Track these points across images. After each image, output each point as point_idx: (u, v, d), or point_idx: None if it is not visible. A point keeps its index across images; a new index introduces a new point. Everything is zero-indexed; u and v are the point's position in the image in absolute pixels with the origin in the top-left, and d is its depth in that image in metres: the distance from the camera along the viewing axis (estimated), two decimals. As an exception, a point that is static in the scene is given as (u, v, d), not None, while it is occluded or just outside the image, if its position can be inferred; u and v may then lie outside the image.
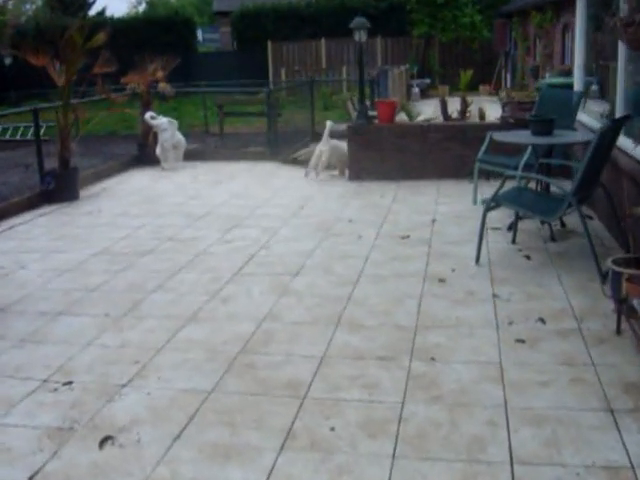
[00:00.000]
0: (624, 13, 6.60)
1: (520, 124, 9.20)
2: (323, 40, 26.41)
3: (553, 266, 5.98)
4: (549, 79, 13.43)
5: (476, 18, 25.87)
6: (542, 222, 6.93)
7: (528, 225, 7.02)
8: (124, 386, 4.08)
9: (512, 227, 7.02)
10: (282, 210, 8.25)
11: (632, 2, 4.29)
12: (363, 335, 4.67)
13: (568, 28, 17.58)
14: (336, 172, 10.32)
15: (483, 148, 8.18)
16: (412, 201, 8.47)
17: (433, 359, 4.29)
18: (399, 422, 3.60)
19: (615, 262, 5.02)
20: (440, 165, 9.64)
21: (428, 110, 20.77)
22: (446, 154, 9.60)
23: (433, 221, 7.51)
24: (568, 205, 5.67)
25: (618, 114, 6.99)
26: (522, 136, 6.85)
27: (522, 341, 4.53)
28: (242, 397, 3.90)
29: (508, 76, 25.92)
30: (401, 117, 10.22)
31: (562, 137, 6.70)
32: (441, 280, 5.69)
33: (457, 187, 9.15)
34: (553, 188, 7.12)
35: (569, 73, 16.80)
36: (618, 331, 4.65)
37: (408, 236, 6.97)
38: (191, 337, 4.72)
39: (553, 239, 6.71)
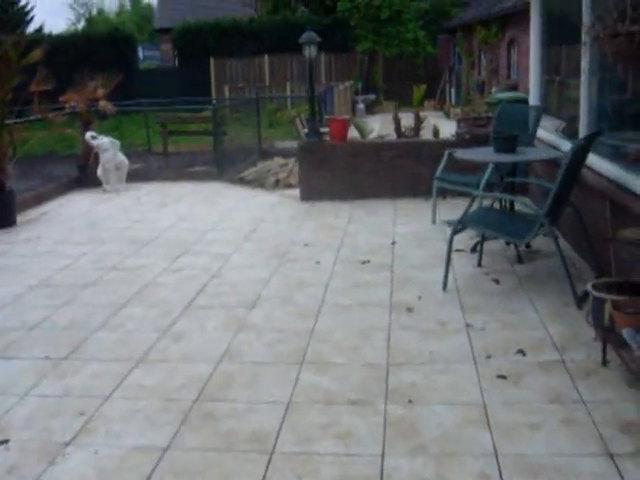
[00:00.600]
0: (588, 24, 6.38)
1: (476, 140, 8.97)
2: (266, 56, 26.09)
3: (524, 290, 5.68)
4: (499, 94, 13.28)
5: (419, 34, 25.82)
6: (507, 243, 6.65)
7: (492, 246, 6.72)
8: (68, 444, 3.61)
9: (476, 249, 6.72)
10: (232, 234, 7.82)
11: (613, 14, 4.00)
12: (331, 375, 4.27)
13: (514, 43, 17.58)
14: (290, 192, 9.96)
15: (441, 166, 7.89)
16: (369, 222, 8.13)
17: (410, 401, 3.92)
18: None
19: (595, 287, 4.73)
20: (395, 183, 9.33)
21: (375, 126, 20.57)
22: (400, 172, 9.30)
23: (393, 243, 7.17)
24: (540, 226, 5.37)
25: (582, 129, 6.76)
26: (485, 154, 6.56)
27: (503, 377, 4.19)
28: (202, 454, 3.47)
29: (452, 91, 25.94)
30: (353, 134, 9.89)
31: (526, 154, 6.43)
32: (409, 309, 5.33)
33: (413, 206, 8.85)
34: (517, 206, 6.86)
35: (516, 88, 16.79)
36: (604, 362, 4.34)
37: (368, 261, 6.61)
38: (142, 382, 4.26)
39: (520, 261, 6.42)
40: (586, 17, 6.57)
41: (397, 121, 9.72)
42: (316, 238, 7.50)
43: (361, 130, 9.90)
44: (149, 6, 65.44)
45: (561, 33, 8.22)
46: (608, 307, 4.55)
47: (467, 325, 4.99)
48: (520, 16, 16.25)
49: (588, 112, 6.69)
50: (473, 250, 6.76)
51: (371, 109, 25.21)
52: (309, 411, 3.84)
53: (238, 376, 4.29)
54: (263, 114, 16.58)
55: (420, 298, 5.57)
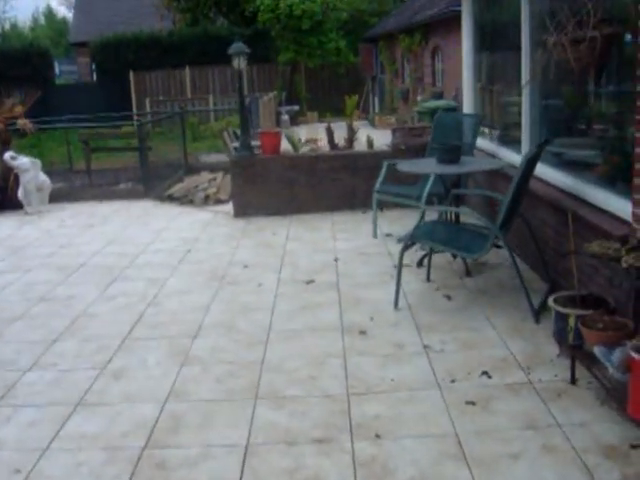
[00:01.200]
0: (549, 30, 6.25)
1: (412, 150, 8.81)
2: (187, 68, 25.58)
3: (478, 306, 5.48)
4: (429, 103, 13.19)
5: (341, 43, 25.74)
6: (454, 256, 6.46)
7: (438, 259, 6.52)
8: (1, 509, 3.21)
9: (422, 263, 6.53)
10: (166, 256, 7.43)
11: (572, 20, 3.83)
12: (289, 410, 3.96)
13: (438, 51, 17.59)
14: (222, 207, 9.61)
15: (380, 178, 7.68)
16: (308, 238, 7.85)
17: (378, 436, 3.64)
18: (359, 532, 2.93)
19: (557, 301, 4.55)
20: (331, 197, 9.09)
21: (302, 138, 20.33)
22: (336, 185, 9.07)
23: (336, 260, 6.91)
24: (493, 239, 5.19)
25: (525, 137, 6.64)
26: (428, 165, 6.37)
27: (472, 403, 3.96)
28: (157, 513, 3.12)
29: (376, 100, 25.94)
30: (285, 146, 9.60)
31: (470, 165, 6.26)
32: (362, 332, 5.06)
33: (352, 219, 8.62)
34: (463, 218, 6.68)
35: (441, 96, 16.79)
36: (573, 381, 4.17)
37: (313, 280, 6.32)
38: (83, 430, 3.87)
39: (468, 274, 6.24)
40: (526, 23, 6.46)
41: (330, 132, 9.48)
42: (255, 258, 7.18)
43: (293, 142, 9.62)
44: (64, 20, 64.03)
45: (495, 40, 8.12)
46: (572, 322, 4.39)
47: (425, 347, 4.75)
48: (444, 24, 16.27)
49: (530, 120, 6.57)
50: (419, 264, 6.56)
51: (295, 120, 24.99)
52: (270, 453, 3.52)
53: (188, 417, 3.94)
54: (187, 127, 16.13)
55: (372, 319, 5.31)
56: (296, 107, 25.65)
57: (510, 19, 7.50)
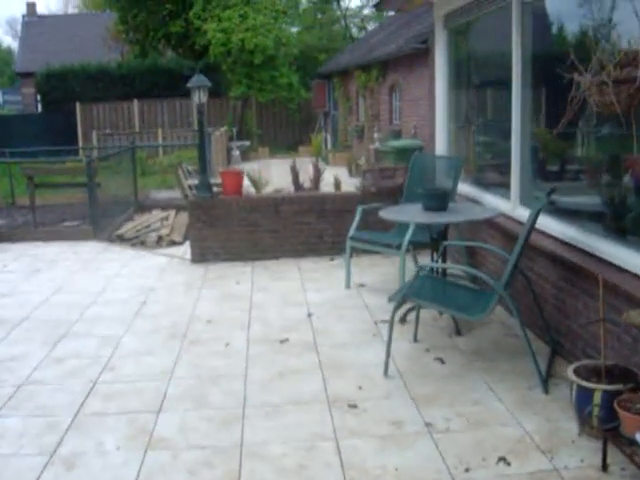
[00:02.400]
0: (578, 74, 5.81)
1: (384, 193, 8.30)
2: (135, 101, 24.87)
3: (476, 371, 4.91)
4: (394, 141, 12.73)
5: (293, 78, 25.35)
6: (440, 312, 5.90)
7: (422, 314, 5.93)
8: None
9: (406, 319, 5.96)
10: (120, 308, 6.71)
11: (601, 60, 3.33)
12: (280, 514, 3.31)
13: (396, 88, 17.24)
14: (176, 250, 8.93)
15: (354, 224, 7.11)
16: (276, 289, 7.21)
17: None
18: None
19: (578, 374, 4.00)
20: (296, 242, 8.49)
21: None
22: (302, 229, 8.47)
23: (309, 315, 6.29)
24: (498, 299, 4.63)
25: (514, 181, 6.15)
26: (415, 213, 5.81)
27: (496, 502, 3.36)
28: None
29: (328, 137, 25.55)
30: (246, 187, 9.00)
31: (464, 213, 5.74)
32: (351, 405, 4.44)
33: (320, 267, 8.02)
34: (449, 270, 6.13)
35: (399, 134, 16.41)
36: (604, 467, 3.60)
37: (287, 339, 5.68)
38: None
39: (459, 332, 5.67)
40: (517, 59, 6.00)
41: (295, 173, 8.91)
42: (219, 312, 6.51)
43: (255, 182, 9.02)
44: (9, 49, 62.64)
45: (476, 77, 7.67)
46: (598, 398, 3.84)
47: (427, 425, 4.15)
48: (403, 60, 15.93)
49: (521, 163, 6.08)
50: (403, 320, 5.98)
51: (246, 156, 24.45)
52: None
53: (157, 524, 3.26)
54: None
55: (361, 388, 4.69)
56: (247, 142, 25.13)
57: (495, 55, 7.08)
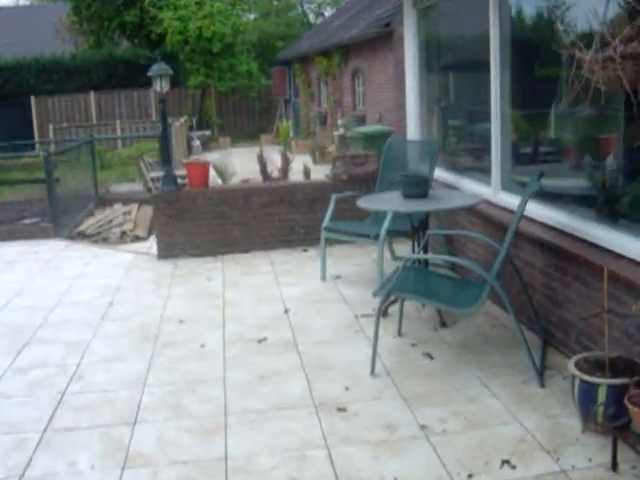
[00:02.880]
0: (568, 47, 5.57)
1: (355, 181, 8.04)
2: (92, 93, 24.27)
3: (467, 365, 4.69)
4: (362, 127, 12.45)
5: (253, 66, 24.95)
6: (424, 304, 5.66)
7: (404, 306, 5.71)
8: None
9: (387, 312, 5.70)
10: (86, 310, 6.37)
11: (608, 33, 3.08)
12: (274, 536, 3.04)
13: (358, 73, 16.98)
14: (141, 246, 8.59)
15: (329, 214, 6.83)
16: (248, 284, 6.91)
17: None
18: None
19: (581, 368, 3.78)
20: (267, 234, 8.19)
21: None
22: (272, 220, 8.18)
23: (286, 311, 6.01)
24: (490, 290, 4.40)
25: (495, 166, 5.91)
26: (394, 202, 5.54)
27: (505, 511, 3.13)
28: None
29: (290, 124, 25.18)
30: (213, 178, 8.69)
31: (446, 200, 5.48)
32: (340, 409, 4.17)
33: (293, 259, 7.74)
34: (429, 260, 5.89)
35: (364, 120, 16.16)
36: (614, 466, 3.38)
37: (265, 338, 5.40)
38: None
39: (443, 324, 5.44)
40: (495, 37, 5.76)
41: (262, 162, 8.61)
42: (191, 310, 6.20)
43: (221, 173, 8.69)
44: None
45: (450, 58, 7.43)
46: (603, 394, 3.63)
47: (422, 427, 3.90)
48: (366, 45, 15.67)
49: (501, 147, 5.85)
50: (384, 314, 5.72)
51: (207, 146, 24.03)
52: None
53: None
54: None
55: (348, 389, 4.43)
56: (208, 132, 24.72)
57: (469, 35, 6.84)
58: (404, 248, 7.22)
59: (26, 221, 11.86)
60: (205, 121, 25.56)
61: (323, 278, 6.83)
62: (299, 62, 22.28)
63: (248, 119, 27.03)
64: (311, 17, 41.79)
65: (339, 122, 17.56)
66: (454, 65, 7.32)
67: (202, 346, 5.31)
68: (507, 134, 5.83)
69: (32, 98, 23.77)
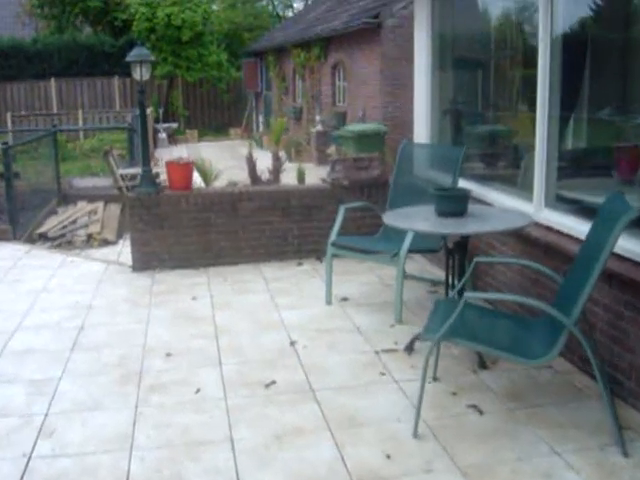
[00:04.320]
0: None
1: (357, 187, 7.19)
2: (53, 80, 23.01)
3: (525, 424, 3.86)
4: (353, 126, 11.51)
5: (222, 57, 23.93)
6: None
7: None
8: None
9: (413, 347, 4.88)
10: (53, 336, 5.41)
11: None
12: None
13: (339, 67, 16.10)
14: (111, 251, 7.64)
15: (336, 227, 5.95)
16: (242, 305, 6.00)
17: None
18: None
19: None
20: (257, 244, 7.29)
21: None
22: (263, 229, 7.27)
23: (292, 344, 5.12)
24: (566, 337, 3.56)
25: (538, 181, 5.08)
26: (429, 220, 4.66)
27: None
28: None
29: (260, 118, 24.25)
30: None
31: (486, 219, 4.62)
32: (387, 487, 3.31)
33: (288, 274, 6.85)
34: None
35: (344, 116, 15.28)
36: None
37: (274, 382, 4.50)
38: None
39: (483, 365, 4.60)
40: (545, 24, 4.92)
41: (252, 163, 7.68)
42: (178, 340, 5.27)
43: (204, 174, 7.75)
44: None
45: (476, 52, 6.60)
46: None
47: (497, 519, 3.05)
48: (349, 38, 14.79)
49: (547, 157, 5.02)
50: (410, 349, 4.88)
51: (174, 139, 23.00)
52: None
53: None
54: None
55: (389, 457, 3.56)
56: (174, 124, 23.70)
57: (503, 23, 6.02)
58: (414, 266, 6.41)
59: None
60: (171, 113, 24.48)
61: (328, 301, 5.95)
62: (273, 54, 21.30)
63: (216, 112, 25.98)
64: (279, 9, 40.73)
65: (317, 118, 16.68)
66: (480, 59, 6.50)
67: (198, 391, 4.39)
68: (554, 141, 5.01)
69: (-11, 85, 22.52)
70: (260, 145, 19.82)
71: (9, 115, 21.35)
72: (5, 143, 8.86)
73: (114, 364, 4.83)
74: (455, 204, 4.57)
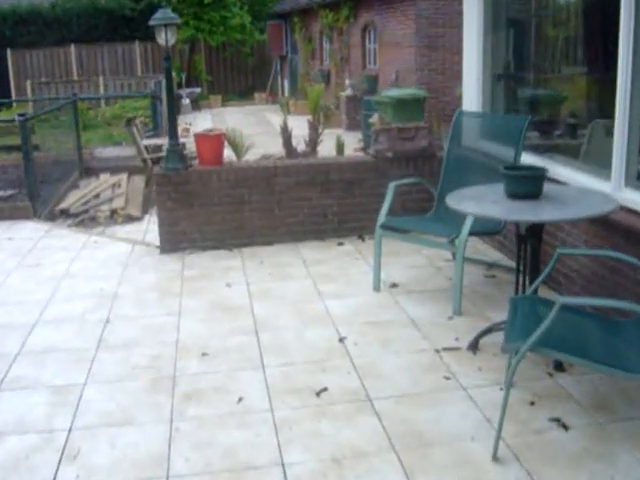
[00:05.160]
0: None
1: (402, 158, 6.61)
2: (73, 46, 22.44)
3: (620, 443, 3.35)
4: (392, 91, 10.83)
5: (246, 19, 23.20)
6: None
7: (493, 337, 4.35)
8: None
9: (477, 345, 4.33)
10: (76, 331, 4.92)
11: None
12: None
13: (370, 28, 15.40)
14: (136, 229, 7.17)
15: (385, 207, 5.38)
16: (281, 293, 5.48)
17: None
18: None
19: None
20: (294, 222, 6.76)
21: (206, 124, 17.81)
22: (301, 206, 6.74)
23: (341, 340, 4.59)
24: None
25: (618, 153, 4.47)
26: (499, 203, 4.07)
27: None
28: None
29: (286, 83, 23.58)
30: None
31: (565, 203, 4.03)
32: (472, 534, 2.78)
33: (329, 256, 6.32)
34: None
35: (376, 79, 14.61)
36: None
37: (325, 389, 3.98)
38: None
39: (559, 366, 4.06)
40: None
41: (287, 134, 7.11)
42: (214, 335, 4.76)
43: (236, 147, 7.19)
44: None
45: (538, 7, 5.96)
46: None
47: None
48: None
49: (628, 128, 4.41)
50: (474, 347, 4.35)
51: (197, 104, 22.40)
52: None
53: None
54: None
55: (470, 489, 3.04)
56: (197, 90, 23.08)
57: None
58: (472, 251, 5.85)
59: (0, 193, 10.37)
60: (194, 78, 23.87)
61: (376, 288, 5.41)
62: (299, 15, 20.57)
63: (240, 76, 25.36)
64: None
65: (347, 82, 16.02)
66: (539, 15, 5.86)
67: (240, 400, 3.88)
68: (638, 111, 4.39)
69: (8, 51, 21.92)
70: (287, 110, 19.21)
71: (29, 83, 20.84)
72: (22, 115, 8.32)
73: (144, 366, 4.34)
74: (530, 185, 3.99)
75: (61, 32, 22.65)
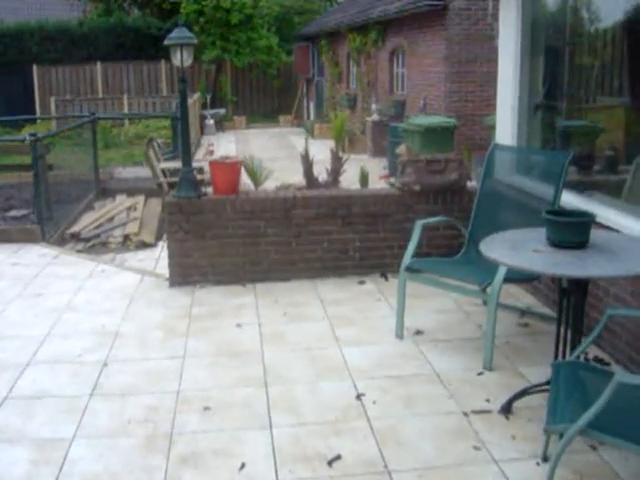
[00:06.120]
0: None
1: (430, 193, 6.19)
2: (99, 64, 22.29)
3: None
4: (419, 118, 10.47)
5: (273, 41, 22.96)
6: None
7: (532, 399, 3.90)
8: None
9: (510, 408, 3.88)
10: (69, 375, 4.52)
11: None
12: None
13: (398, 53, 15.04)
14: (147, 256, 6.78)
15: (411, 248, 4.93)
16: (295, 337, 5.05)
17: None
18: None
19: None
20: (312, 257, 6.34)
21: (229, 146, 17.52)
22: (320, 241, 6.32)
23: (359, 397, 4.14)
24: None
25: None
26: (537, 251, 3.62)
27: None
28: None
29: (311, 105, 23.29)
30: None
31: (617, 255, 3.56)
32: None
33: (349, 296, 5.89)
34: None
35: (404, 105, 14.24)
36: None
37: (339, 457, 3.53)
38: None
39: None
40: None
41: (308, 163, 6.71)
42: (219, 386, 4.33)
43: (254, 175, 6.80)
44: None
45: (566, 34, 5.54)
46: None
47: None
48: (410, 21, 13.71)
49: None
50: (506, 411, 3.88)
51: (221, 125, 22.16)
52: None
53: None
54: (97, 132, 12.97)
55: None
56: (222, 110, 22.84)
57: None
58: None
59: (13, 212, 10.10)
60: (219, 99, 23.63)
61: (399, 335, 4.97)
62: (326, 38, 20.29)
63: (265, 98, 25.10)
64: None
65: (373, 107, 15.67)
66: (582, 43, 5.44)
67: (242, 467, 3.44)
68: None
69: (34, 67, 21.81)
70: (311, 134, 18.89)
71: (53, 100, 20.66)
72: (33, 134, 7.99)
73: (139, 420, 3.91)
74: (577, 233, 3.54)
75: (87, 49, 22.54)
